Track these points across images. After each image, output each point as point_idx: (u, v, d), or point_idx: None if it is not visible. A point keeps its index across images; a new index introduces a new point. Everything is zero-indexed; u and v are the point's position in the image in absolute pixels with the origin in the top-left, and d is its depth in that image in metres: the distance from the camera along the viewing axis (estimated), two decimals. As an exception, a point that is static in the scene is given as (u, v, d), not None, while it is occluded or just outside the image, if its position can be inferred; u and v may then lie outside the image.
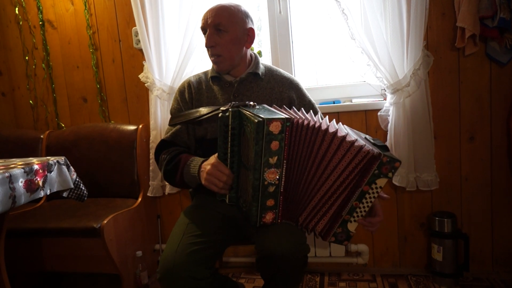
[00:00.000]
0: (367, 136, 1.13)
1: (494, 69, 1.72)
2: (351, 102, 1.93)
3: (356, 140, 1.03)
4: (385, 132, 1.81)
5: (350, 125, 1.24)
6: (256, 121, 0.95)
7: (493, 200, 1.80)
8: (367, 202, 1.06)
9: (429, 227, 1.85)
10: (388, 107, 1.77)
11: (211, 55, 1.32)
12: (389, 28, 1.70)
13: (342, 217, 1.07)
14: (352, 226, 1.09)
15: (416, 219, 1.89)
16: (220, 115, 1.07)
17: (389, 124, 1.77)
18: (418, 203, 1.88)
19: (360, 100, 1.92)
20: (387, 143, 1.78)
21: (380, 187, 1.04)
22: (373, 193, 1.05)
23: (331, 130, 1.03)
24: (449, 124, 1.80)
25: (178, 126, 1.35)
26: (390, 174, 1.02)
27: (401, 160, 1.03)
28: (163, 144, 1.36)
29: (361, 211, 1.07)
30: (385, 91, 1.77)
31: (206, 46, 1.31)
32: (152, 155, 2.04)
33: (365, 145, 1.02)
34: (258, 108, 1.10)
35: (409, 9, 1.62)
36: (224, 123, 1.06)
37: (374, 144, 1.06)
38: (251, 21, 1.35)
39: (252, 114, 1.00)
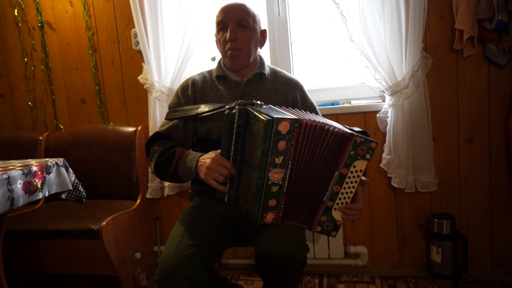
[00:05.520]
0: (354, 128, 1.14)
1: (492, 71, 1.72)
2: (350, 103, 1.94)
3: (335, 127, 1.03)
4: (384, 134, 1.81)
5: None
6: (265, 119, 0.94)
7: (492, 202, 1.80)
8: (349, 188, 1.06)
9: (428, 228, 1.85)
10: (387, 108, 1.77)
11: (230, 49, 1.29)
12: (387, 30, 1.70)
13: (325, 203, 1.06)
14: (337, 215, 1.08)
15: (415, 221, 1.89)
16: (226, 112, 1.06)
17: (388, 126, 1.77)
18: (417, 205, 1.88)
19: (359, 102, 1.92)
20: (386, 145, 1.79)
21: (360, 171, 1.04)
22: (353, 177, 1.05)
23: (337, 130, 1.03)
24: (447, 125, 1.80)
25: (175, 121, 1.32)
26: (368, 156, 1.02)
27: (377, 142, 1.03)
28: (157, 137, 1.32)
29: (344, 197, 1.07)
30: (384, 92, 1.77)
31: (229, 39, 1.27)
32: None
33: (335, 127, 1.02)
34: (265, 108, 1.08)
35: (407, 11, 1.63)
36: (230, 120, 1.05)
37: (351, 130, 1.06)
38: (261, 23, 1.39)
39: (260, 112, 0.99)
